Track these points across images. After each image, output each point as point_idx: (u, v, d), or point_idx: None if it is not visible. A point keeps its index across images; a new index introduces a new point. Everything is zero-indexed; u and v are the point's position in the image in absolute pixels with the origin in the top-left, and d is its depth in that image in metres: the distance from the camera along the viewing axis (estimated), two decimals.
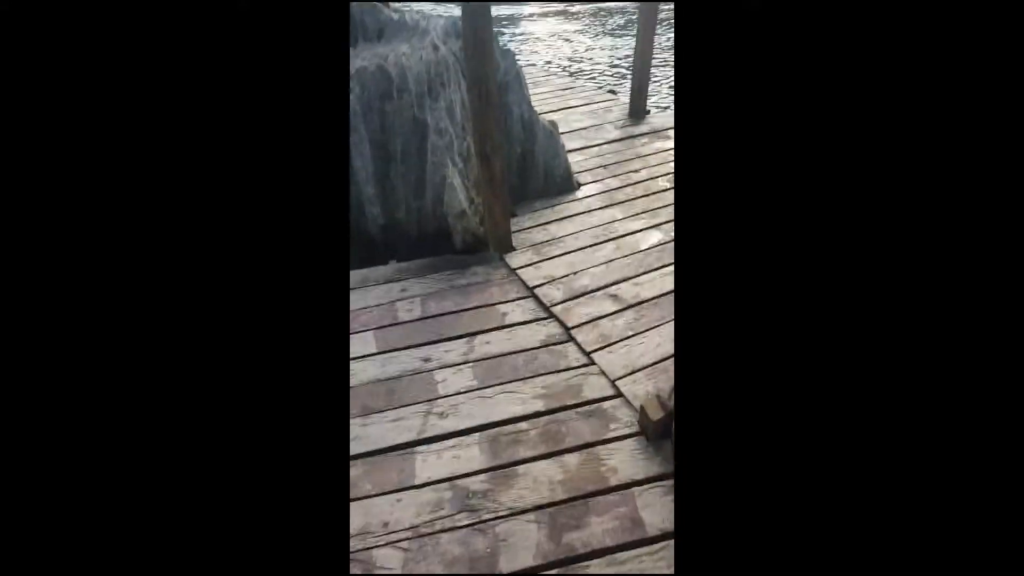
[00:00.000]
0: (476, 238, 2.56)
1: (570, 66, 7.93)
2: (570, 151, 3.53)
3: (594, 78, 7.10)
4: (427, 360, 1.99)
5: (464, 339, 2.09)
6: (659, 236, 2.64)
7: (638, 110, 4.07)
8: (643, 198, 2.99)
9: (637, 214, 2.83)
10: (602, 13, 12.30)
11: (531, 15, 13.96)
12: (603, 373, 1.88)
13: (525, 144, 2.89)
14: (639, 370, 1.88)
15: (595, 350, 1.98)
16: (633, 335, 2.04)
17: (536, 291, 2.30)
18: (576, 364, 1.93)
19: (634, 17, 11.40)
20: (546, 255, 2.53)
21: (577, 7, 13.25)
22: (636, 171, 3.29)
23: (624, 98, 4.63)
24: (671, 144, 3.63)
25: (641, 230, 2.70)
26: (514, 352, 2.01)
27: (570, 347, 2.01)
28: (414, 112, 2.45)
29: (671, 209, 2.85)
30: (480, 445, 1.66)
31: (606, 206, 2.93)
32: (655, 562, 1.34)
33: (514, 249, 2.58)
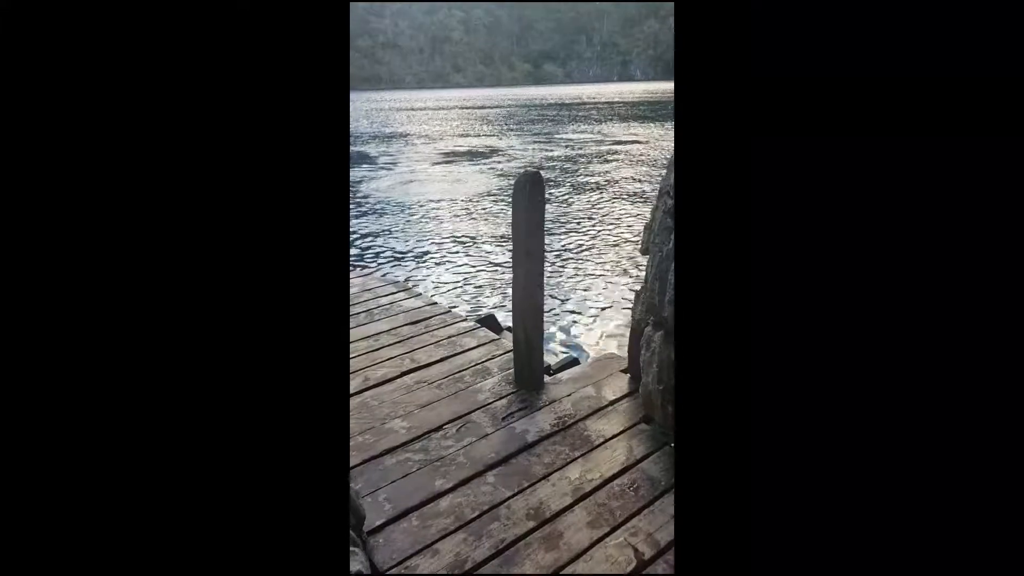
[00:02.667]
0: None
1: (431, 256, 6.32)
2: (392, 523, 1.65)
3: (470, 282, 5.42)
4: None
5: None
6: None
7: (531, 373, 2.36)
8: None
9: None
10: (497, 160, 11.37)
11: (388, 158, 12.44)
12: None
13: None
14: None
15: None
16: None
17: None
18: None
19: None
20: None
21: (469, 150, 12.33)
22: None
23: (507, 334, 2.98)
24: (612, 463, 1.87)
25: None
26: None
27: None
28: None
29: None
30: None
31: None
32: None
33: None
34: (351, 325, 2.97)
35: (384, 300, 3.30)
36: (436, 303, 3.26)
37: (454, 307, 4.19)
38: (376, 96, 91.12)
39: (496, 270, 5.62)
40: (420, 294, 3.42)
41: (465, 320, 3.03)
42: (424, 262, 6.02)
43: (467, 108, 41.83)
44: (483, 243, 6.65)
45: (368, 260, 6.15)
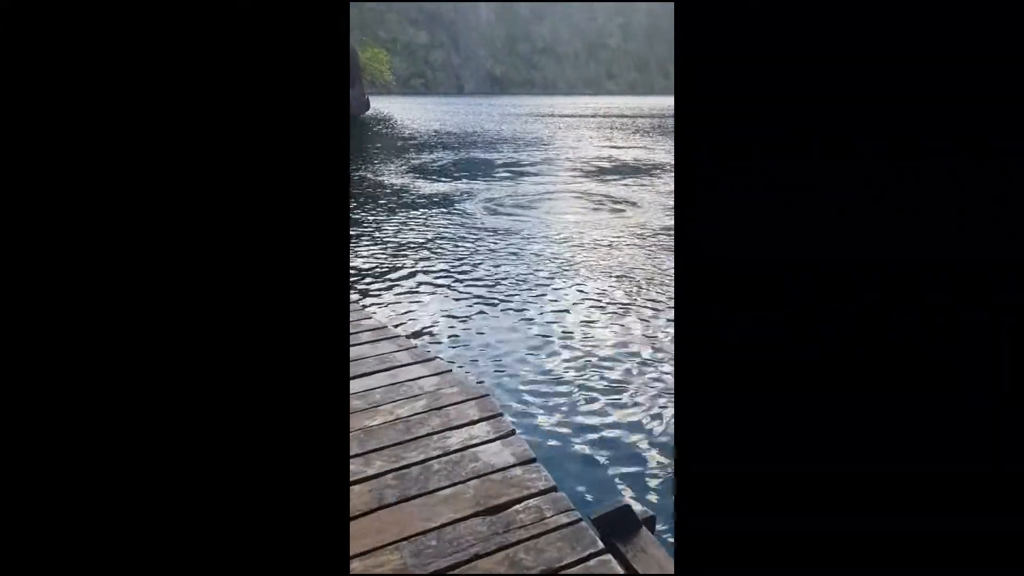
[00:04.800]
0: None
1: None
2: None
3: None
4: None
5: None
6: None
7: None
8: None
9: None
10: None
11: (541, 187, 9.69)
12: None
13: None
14: None
15: None
16: None
17: None
18: None
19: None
20: None
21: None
22: None
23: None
24: None
25: None
26: None
27: None
28: None
29: None
30: None
31: None
32: None
33: None
34: (397, 496, 1.85)
35: (455, 439, 2.13)
36: (534, 462, 2.01)
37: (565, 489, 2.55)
38: (520, 101, 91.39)
39: (657, 394, 3.12)
40: (514, 431, 2.19)
41: (579, 522, 1.73)
42: (530, 361, 3.56)
43: (612, 116, 40.19)
44: (634, 338, 3.84)
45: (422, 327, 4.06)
